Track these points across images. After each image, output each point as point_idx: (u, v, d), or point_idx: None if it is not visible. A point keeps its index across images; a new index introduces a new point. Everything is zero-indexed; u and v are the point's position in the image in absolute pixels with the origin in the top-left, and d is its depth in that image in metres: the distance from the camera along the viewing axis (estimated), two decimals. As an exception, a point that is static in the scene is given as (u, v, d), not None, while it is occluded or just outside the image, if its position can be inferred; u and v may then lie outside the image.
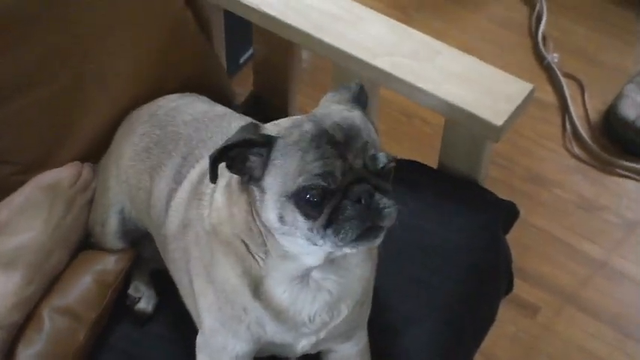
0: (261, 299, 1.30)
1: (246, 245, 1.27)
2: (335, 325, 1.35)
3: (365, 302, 1.40)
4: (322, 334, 1.35)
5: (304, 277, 1.29)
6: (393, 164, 1.20)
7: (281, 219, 1.18)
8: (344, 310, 1.34)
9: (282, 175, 1.17)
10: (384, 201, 1.18)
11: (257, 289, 1.29)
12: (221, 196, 1.28)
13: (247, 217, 1.24)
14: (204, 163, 1.38)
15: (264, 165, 1.17)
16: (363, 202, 1.16)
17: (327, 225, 1.17)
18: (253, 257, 1.27)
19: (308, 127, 1.18)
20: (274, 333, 1.33)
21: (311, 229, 1.17)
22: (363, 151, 1.18)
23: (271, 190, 1.18)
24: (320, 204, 1.16)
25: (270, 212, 1.19)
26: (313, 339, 1.36)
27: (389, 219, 1.18)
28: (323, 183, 1.15)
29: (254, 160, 1.18)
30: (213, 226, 1.30)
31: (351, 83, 1.30)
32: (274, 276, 1.28)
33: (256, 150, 1.18)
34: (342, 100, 1.26)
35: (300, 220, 1.17)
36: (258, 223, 1.24)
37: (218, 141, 1.44)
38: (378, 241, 1.20)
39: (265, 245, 1.25)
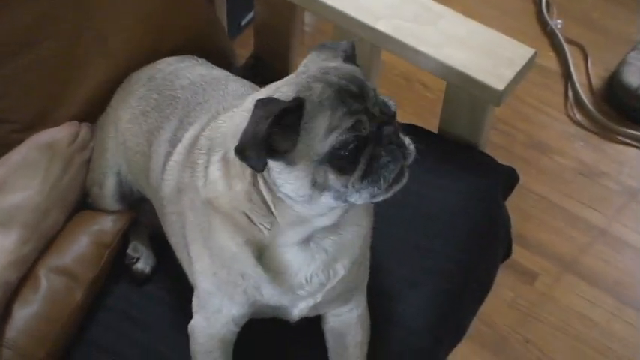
0: (264, 264, 1.29)
1: (248, 217, 1.25)
2: (332, 287, 1.34)
3: (362, 263, 1.40)
4: (319, 297, 1.35)
5: (308, 239, 1.28)
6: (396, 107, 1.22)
7: (314, 184, 1.16)
8: (340, 270, 1.33)
9: (312, 137, 1.15)
10: (407, 139, 1.21)
11: (261, 255, 1.29)
12: (217, 170, 1.26)
13: (249, 190, 1.22)
14: (197, 127, 1.38)
15: (295, 133, 1.15)
16: (393, 144, 1.18)
17: (364, 176, 1.17)
18: (257, 227, 1.26)
19: (321, 85, 1.16)
20: (270, 296, 1.33)
21: (345, 186, 1.17)
22: (376, 99, 1.19)
23: (302, 157, 1.15)
24: (355, 157, 1.16)
25: (299, 181, 1.17)
26: (310, 301, 1.35)
27: (413, 155, 1.21)
28: (357, 134, 1.15)
29: (277, 133, 1.15)
30: (209, 199, 1.28)
31: (326, 43, 1.28)
32: (280, 242, 1.27)
33: (286, 119, 1.14)
34: (329, 58, 1.24)
35: (332, 179, 1.16)
36: (265, 194, 1.21)
37: (213, 104, 1.43)
38: (406, 180, 1.21)
39: (270, 215, 1.24)
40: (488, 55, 1.63)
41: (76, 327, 1.48)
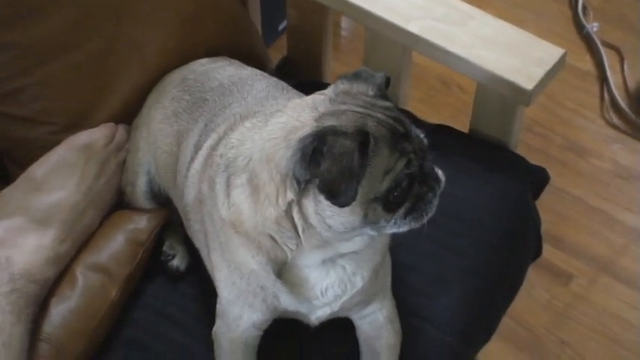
0: (283, 279, 1.29)
1: (273, 238, 1.24)
2: (349, 297, 1.34)
3: (380, 270, 1.38)
4: (336, 306, 1.34)
5: (329, 259, 1.29)
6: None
7: (365, 218, 1.16)
8: (359, 283, 1.33)
9: (374, 176, 1.14)
10: (439, 172, 1.22)
11: (280, 271, 1.28)
12: (241, 194, 1.24)
13: (281, 216, 1.20)
14: (215, 136, 1.37)
15: (362, 169, 1.13)
16: (432, 180, 1.20)
17: (407, 213, 1.19)
18: (280, 247, 1.25)
19: (373, 122, 1.15)
20: (288, 304, 1.32)
21: (388, 220, 1.18)
22: (417, 137, 1.19)
23: (362, 194, 1.14)
24: (405, 195, 1.17)
25: (353, 215, 1.16)
26: (327, 310, 1.35)
27: (444, 184, 1.23)
28: (408, 172, 1.16)
29: None
30: (231, 220, 1.26)
31: (362, 70, 1.25)
32: (301, 261, 1.27)
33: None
34: (362, 89, 1.22)
35: (381, 214, 1.17)
36: (297, 220, 1.20)
37: (234, 108, 1.43)
38: (436, 207, 1.23)
39: (297, 238, 1.22)
40: (518, 55, 1.61)
41: (112, 324, 1.48)
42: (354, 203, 1.13)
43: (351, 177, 1.10)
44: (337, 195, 1.12)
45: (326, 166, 1.10)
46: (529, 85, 1.57)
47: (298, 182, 1.15)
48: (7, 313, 1.33)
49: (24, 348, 1.34)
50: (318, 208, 1.17)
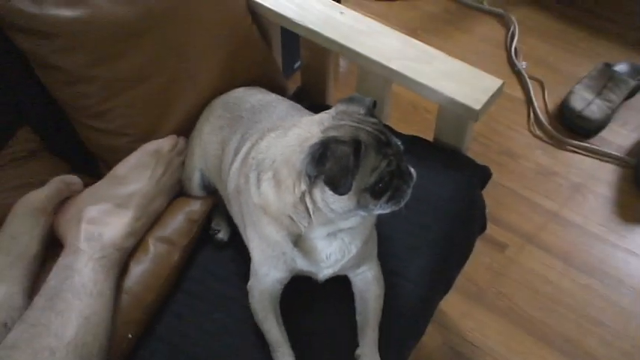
0: (299, 247, 1.28)
1: (291, 218, 1.23)
2: (346, 261, 1.33)
3: (370, 239, 1.37)
4: (337, 267, 1.34)
5: (331, 233, 1.28)
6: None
7: (357, 204, 1.16)
8: (353, 250, 1.32)
9: (363, 173, 1.13)
10: (412, 170, 1.21)
11: (297, 241, 1.28)
12: (268, 186, 1.24)
13: (296, 201, 1.20)
14: (249, 144, 1.37)
15: (356, 168, 1.13)
16: (407, 174, 1.19)
17: (389, 200, 1.18)
18: (297, 224, 1.24)
19: (364, 133, 1.14)
20: (302, 266, 1.32)
21: (375, 205, 1.17)
22: (396, 144, 1.18)
23: (355, 186, 1.14)
24: (387, 187, 1.16)
25: (349, 202, 1.16)
26: (331, 270, 1.34)
27: (415, 179, 1.22)
28: (389, 170, 1.15)
29: None
30: (261, 204, 1.26)
31: (355, 95, 1.25)
32: (311, 235, 1.27)
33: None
34: (355, 109, 1.21)
35: (369, 201, 1.16)
36: (308, 205, 1.19)
37: (263, 124, 1.42)
38: (409, 195, 1.23)
39: (309, 218, 1.22)
40: (469, 85, 1.60)
41: (174, 280, 1.48)
42: (350, 193, 1.13)
43: (348, 173, 1.10)
44: (338, 186, 1.11)
45: (329, 165, 1.10)
46: (477, 106, 1.55)
47: (309, 177, 1.15)
48: (99, 273, 1.33)
49: (112, 297, 1.34)
50: (324, 196, 1.16)
